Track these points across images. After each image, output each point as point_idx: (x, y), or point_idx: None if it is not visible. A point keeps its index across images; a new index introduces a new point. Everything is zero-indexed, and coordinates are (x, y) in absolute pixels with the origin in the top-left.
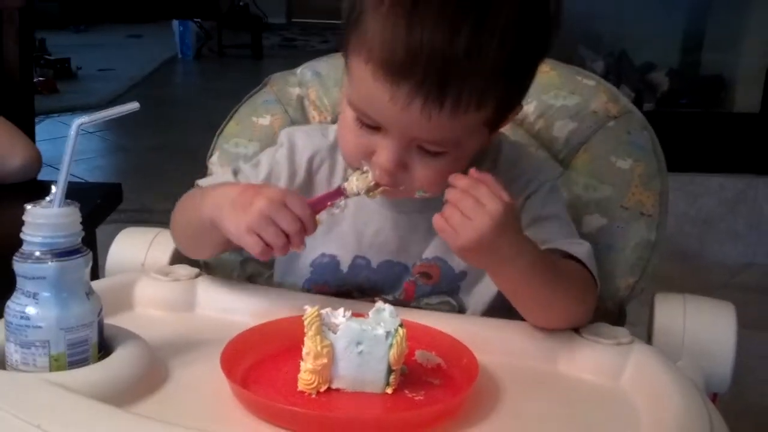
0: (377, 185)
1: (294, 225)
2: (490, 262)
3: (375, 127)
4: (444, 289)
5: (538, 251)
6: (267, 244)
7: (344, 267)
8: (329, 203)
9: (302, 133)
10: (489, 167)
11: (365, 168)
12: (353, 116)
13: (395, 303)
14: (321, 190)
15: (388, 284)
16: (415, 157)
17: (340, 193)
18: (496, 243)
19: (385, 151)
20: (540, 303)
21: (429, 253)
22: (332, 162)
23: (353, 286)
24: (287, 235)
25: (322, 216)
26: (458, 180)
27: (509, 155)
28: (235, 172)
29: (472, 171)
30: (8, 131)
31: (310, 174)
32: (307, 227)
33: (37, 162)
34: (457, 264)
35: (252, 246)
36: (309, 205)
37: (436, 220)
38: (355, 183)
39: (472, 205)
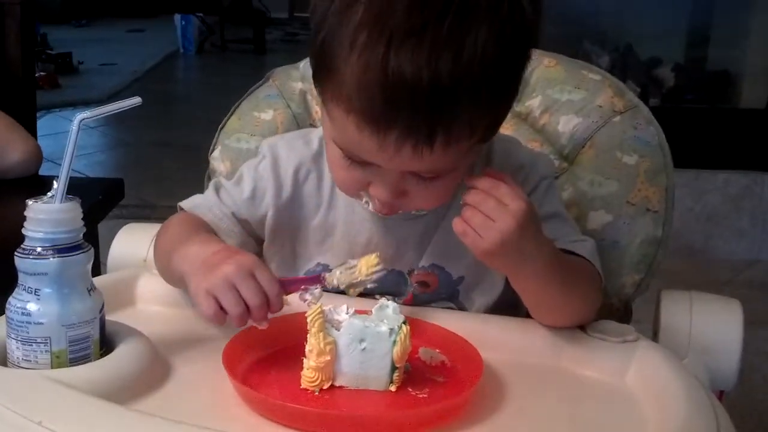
0: (360, 283)
1: (257, 298)
2: (512, 263)
3: (366, 162)
4: (443, 295)
5: (555, 250)
6: (224, 310)
7: None
8: (303, 287)
9: (284, 143)
10: (483, 164)
11: (353, 263)
12: (340, 153)
13: None
14: (310, 202)
15: (384, 292)
16: (412, 183)
17: (318, 280)
18: (519, 244)
19: (380, 184)
20: (552, 302)
21: (425, 261)
22: (319, 172)
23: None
24: (248, 307)
25: (294, 297)
26: (477, 181)
27: (502, 151)
28: (217, 189)
29: (489, 170)
30: (7, 125)
31: (297, 186)
32: (271, 303)
33: (37, 157)
34: (456, 270)
35: (205, 308)
36: (280, 282)
37: (457, 223)
38: (337, 276)
39: (494, 206)
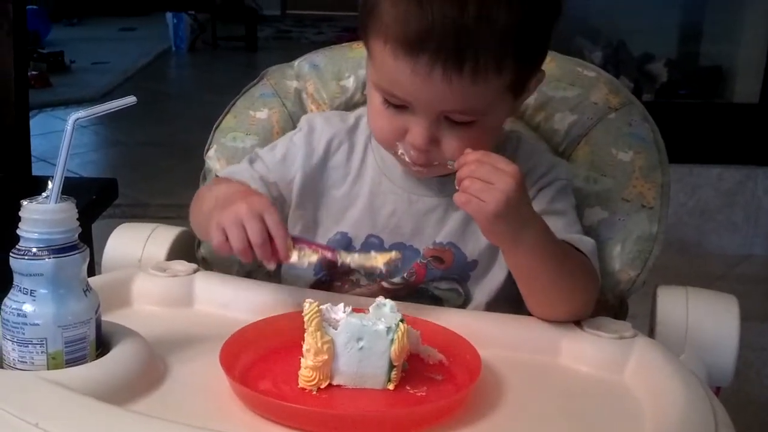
0: (372, 268)
1: (259, 237)
2: (512, 230)
3: (403, 107)
4: (454, 275)
5: (545, 223)
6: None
7: (357, 244)
8: (314, 246)
9: (321, 118)
10: (507, 157)
11: (373, 254)
12: (380, 100)
13: (404, 284)
14: (337, 172)
15: (397, 266)
16: (445, 130)
17: (332, 251)
18: (518, 205)
19: (415, 128)
20: (547, 281)
21: (443, 237)
22: (351, 145)
23: None
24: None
25: (310, 259)
26: (467, 155)
27: (527, 149)
28: (251, 160)
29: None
30: None
31: (327, 155)
32: (278, 246)
33: None
34: (470, 252)
35: (214, 237)
36: (293, 237)
37: (458, 196)
38: (351, 256)
39: (490, 170)
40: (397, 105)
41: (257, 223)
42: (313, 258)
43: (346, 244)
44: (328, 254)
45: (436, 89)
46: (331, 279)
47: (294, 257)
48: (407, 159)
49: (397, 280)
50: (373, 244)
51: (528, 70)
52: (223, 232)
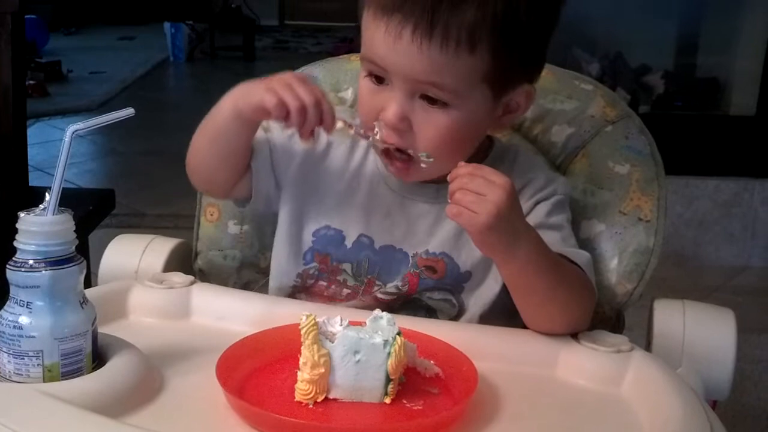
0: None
1: (312, 96)
2: (505, 242)
3: (382, 81)
4: (448, 285)
5: (539, 236)
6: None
7: (348, 242)
8: (347, 123)
9: None
10: (505, 170)
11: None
12: (365, 76)
13: (397, 294)
14: (336, 166)
15: (386, 270)
16: (419, 110)
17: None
18: (510, 218)
19: (390, 103)
20: (542, 293)
21: (435, 247)
22: (352, 144)
23: (353, 263)
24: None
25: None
26: (459, 168)
27: (525, 162)
28: (266, 129)
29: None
30: None
31: (328, 149)
32: (323, 110)
33: None
34: (463, 262)
35: (268, 100)
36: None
37: (450, 208)
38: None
39: (482, 183)
40: (377, 77)
41: (306, 85)
42: (349, 130)
43: (339, 242)
44: (354, 130)
45: (405, 51)
46: (319, 276)
47: (339, 124)
48: (379, 138)
49: (390, 289)
50: (363, 243)
51: (508, 67)
52: (276, 94)
